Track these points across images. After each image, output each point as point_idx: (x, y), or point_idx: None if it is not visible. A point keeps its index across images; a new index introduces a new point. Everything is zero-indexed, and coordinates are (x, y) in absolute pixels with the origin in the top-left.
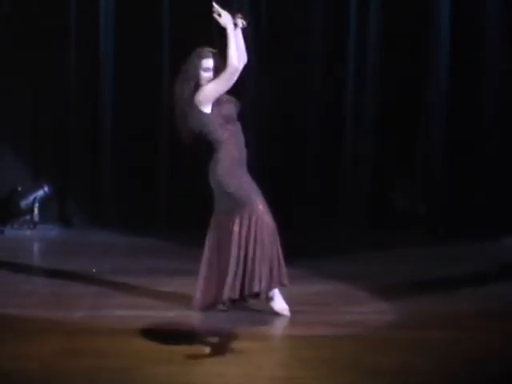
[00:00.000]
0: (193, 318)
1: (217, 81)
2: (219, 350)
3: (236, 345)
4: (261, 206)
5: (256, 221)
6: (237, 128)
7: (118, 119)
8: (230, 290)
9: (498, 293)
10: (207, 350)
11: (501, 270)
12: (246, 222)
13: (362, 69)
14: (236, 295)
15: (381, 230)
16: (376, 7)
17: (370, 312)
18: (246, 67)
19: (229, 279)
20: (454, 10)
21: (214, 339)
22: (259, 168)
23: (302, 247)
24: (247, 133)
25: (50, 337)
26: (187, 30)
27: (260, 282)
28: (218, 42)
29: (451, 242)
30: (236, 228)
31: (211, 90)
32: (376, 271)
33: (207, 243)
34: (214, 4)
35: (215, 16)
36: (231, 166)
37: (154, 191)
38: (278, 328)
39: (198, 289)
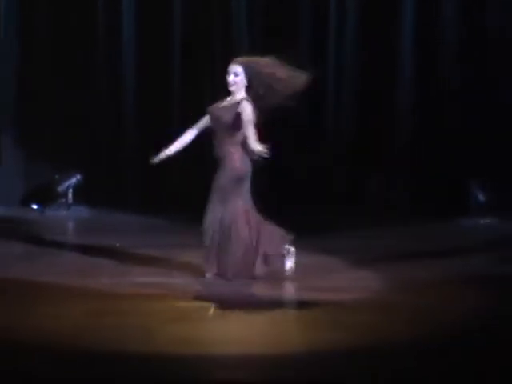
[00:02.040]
0: (201, 284)
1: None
2: (221, 310)
3: (235, 306)
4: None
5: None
6: None
7: (140, 119)
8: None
9: (455, 264)
10: (212, 310)
11: (458, 246)
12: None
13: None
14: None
15: (359, 212)
16: (352, 26)
17: (350, 279)
18: None
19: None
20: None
21: (218, 302)
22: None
23: (292, 225)
24: None
25: (80, 300)
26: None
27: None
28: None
29: (418, 222)
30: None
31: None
32: (355, 246)
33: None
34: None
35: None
36: (250, 164)
37: (168, 180)
38: (271, 293)
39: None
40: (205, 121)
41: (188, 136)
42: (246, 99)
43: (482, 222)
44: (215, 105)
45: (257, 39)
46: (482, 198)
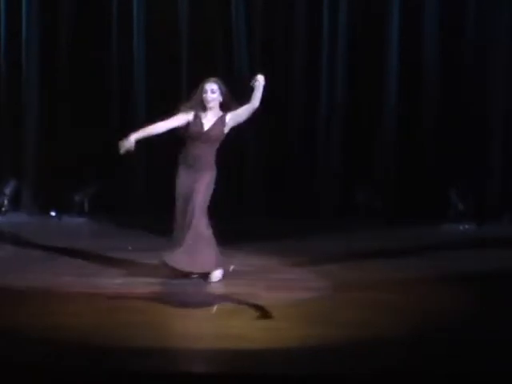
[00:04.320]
0: (201, 284)
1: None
2: (222, 308)
3: (236, 304)
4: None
5: None
6: None
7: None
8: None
9: (434, 264)
10: (213, 308)
11: (437, 248)
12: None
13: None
14: None
15: (347, 219)
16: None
17: (337, 278)
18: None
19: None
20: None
21: (218, 300)
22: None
23: (287, 230)
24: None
25: (96, 298)
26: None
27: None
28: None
29: (400, 227)
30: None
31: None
32: (342, 248)
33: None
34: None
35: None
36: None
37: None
38: (266, 291)
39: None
40: (179, 121)
41: (159, 129)
42: (226, 114)
43: (461, 227)
44: (200, 121)
45: (256, 55)
46: (461, 205)
